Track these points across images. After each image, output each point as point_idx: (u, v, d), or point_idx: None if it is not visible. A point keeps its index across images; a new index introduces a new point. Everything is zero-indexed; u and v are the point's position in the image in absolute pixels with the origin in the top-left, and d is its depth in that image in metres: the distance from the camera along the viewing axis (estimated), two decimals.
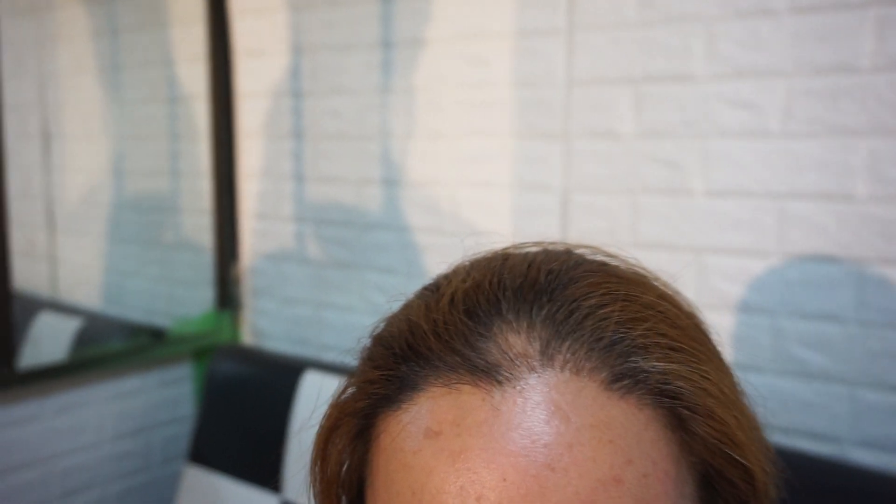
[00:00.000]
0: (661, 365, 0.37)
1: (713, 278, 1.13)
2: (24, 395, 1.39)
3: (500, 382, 0.36)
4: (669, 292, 0.42)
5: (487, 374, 0.36)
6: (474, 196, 1.35)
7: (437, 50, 1.37)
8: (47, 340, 1.56)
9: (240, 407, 1.48)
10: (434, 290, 0.42)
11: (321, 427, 0.43)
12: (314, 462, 0.44)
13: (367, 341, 0.44)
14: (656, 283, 0.42)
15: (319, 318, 1.57)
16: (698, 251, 1.15)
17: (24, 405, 1.39)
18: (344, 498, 0.44)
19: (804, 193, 1.07)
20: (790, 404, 1.10)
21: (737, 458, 0.38)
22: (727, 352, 1.16)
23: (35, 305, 1.59)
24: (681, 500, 0.37)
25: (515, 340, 0.37)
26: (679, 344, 0.38)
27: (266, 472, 1.39)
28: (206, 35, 1.63)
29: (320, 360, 1.45)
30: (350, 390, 0.42)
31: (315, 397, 1.36)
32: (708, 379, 0.38)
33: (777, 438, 1.10)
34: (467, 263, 0.43)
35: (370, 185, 1.47)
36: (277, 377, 1.44)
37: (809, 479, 0.97)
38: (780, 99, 1.07)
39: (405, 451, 0.37)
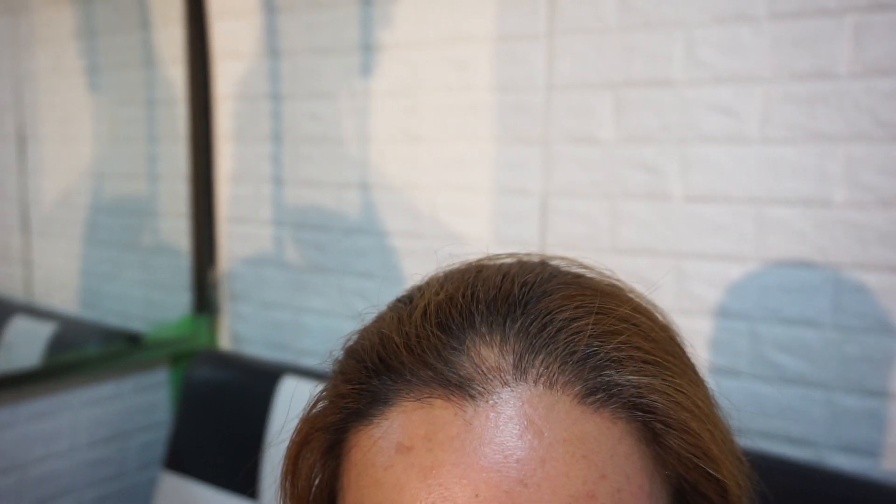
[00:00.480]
0: (634, 378, 0.37)
1: (692, 283, 1.14)
2: None
3: (472, 397, 0.36)
4: (644, 305, 0.42)
5: (460, 388, 0.36)
6: (454, 200, 1.35)
7: (416, 54, 1.37)
8: (21, 345, 1.55)
9: (217, 413, 1.48)
10: (407, 303, 0.41)
11: (292, 441, 0.43)
12: (284, 476, 0.43)
13: (339, 354, 0.44)
14: (631, 296, 0.42)
15: (298, 322, 1.57)
16: (677, 256, 1.15)
17: None
18: None
19: (782, 199, 1.07)
20: (768, 409, 1.11)
21: (711, 472, 0.38)
22: (706, 357, 1.15)
23: (9, 309, 1.59)
24: None
25: (488, 354, 0.37)
26: (653, 357, 0.38)
27: (243, 479, 1.38)
28: (184, 37, 1.63)
29: (298, 366, 1.45)
30: (321, 404, 0.42)
31: (293, 403, 1.36)
32: (682, 392, 0.38)
33: (755, 443, 1.11)
34: (441, 275, 0.43)
35: (349, 188, 1.47)
36: (255, 382, 1.43)
37: (787, 484, 0.98)
38: (758, 104, 1.08)
39: (376, 467, 0.37)
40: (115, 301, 1.73)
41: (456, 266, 0.44)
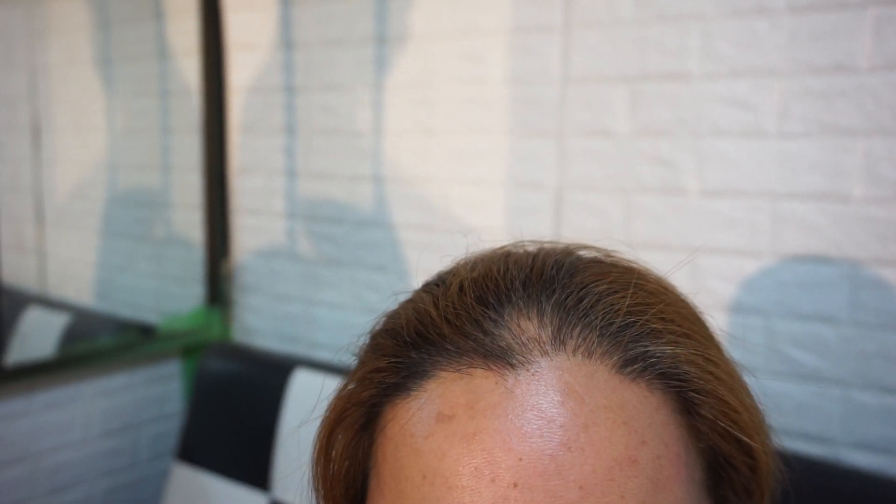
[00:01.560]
0: (669, 349, 0.38)
1: (707, 278, 1.14)
2: (12, 391, 1.39)
3: (513, 366, 0.37)
4: (668, 283, 0.43)
5: (500, 357, 0.37)
6: (467, 194, 1.36)
7: (430, 46, 1.37)
8: (35, 336, 1.56)
9: (229, 405, 1.48)
10: (440, 283, 0.42)
11: (325, 420, 0.43)
12: (317, 457, 0.44)
13: (366, 338, 0.44)
14: (655, 275, 0.43)
15: (310, 315, 1.57)
16: (692, 251, 1.15)
17: (11, 401, 1.39)
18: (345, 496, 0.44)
19: (799, 194, 1.07)
20: (783, 405, 1.11)
21: (743, 439, 0.39)
22: None
23: (23, 300, 1.59)
24: (690, 484, 0.37)
25: (527, 325, 0.38)
26: (685, 329, 0.39)
27: (255, 471, 1.39)
28: (199, 29, 1.63)
29: (311, 358, 1.46)
30: (354, 382, 0.42)
31: (305, 395, 1.37)
32: (714, 363, 0.39)
33: (779, 442, 1.11)
34: (471, 258, 0.44)
35: (362, 181, 1.47)
36: (267, 375, 1.44)
37: (802, 480, 0.98)
38: (775, 99, 1.08)
39: (416, 437, 0.37)
40: (127, 292, 1.74)
41: (481, 251, 0.45)
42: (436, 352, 0.39)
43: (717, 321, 1.14)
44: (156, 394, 1.64)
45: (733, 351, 1.20)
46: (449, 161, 1.37)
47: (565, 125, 1.24)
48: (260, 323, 1.65)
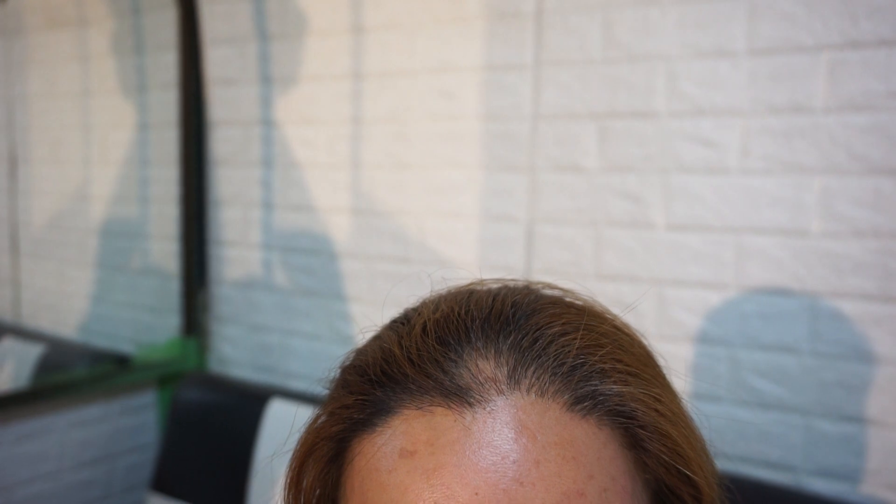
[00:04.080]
0: (617, 388, 0.39)
1: (673, 309, 1.15)
2: None
3: (470, 404, 0.38)
4: (621, 323, 0.44)
5: (459, 396, 0.38)
6: (441, 226, 1.36)
7: (406, 83, 1.38)
8: (9, 366, 1.54)
9: (204, 435, 1.47)
10: (405, 322, 0.44)
11: (296, 452, 0.44)
12: (289, 486, 0.45)
13: (336, 372, 0.45)
14: (610, 315, 0.44)
15: (286, 345, 1.57)
16: (659, 283, 1.16)
17: None
18: None
19: (761, 228, 1.09)
20: (747, 433, 1.11)
21: (687, 473, 0.40)
22: (686, 381, 1.16)
23: None
24: None
25: (485, 366, 0.39)
26: (633, 369, 0.40)
27: (230, 502, 1.38)
28: (178, 63, 1.63)
29: (286, 388, 1.45)
30: (324, 416, 0.43)
31: (281, 425, 1.36)
32: (660, 401, 0.40)
33: (734, 467, 1.12)
34: (435, 297, 0.45)
35: (338, 213, 1.47)
36: (243, 405, 1.43)
37: None
38: (737, 137, 1.09)
39: (380, 471, 0.39)
40: (103, 323, 1.72)
41: (446, 290, 0.46)
42: (400, 390, 0.40)
43: (683, 351, 1.15)
44: (131, 425, 1.62)
45: (699, 380, 1.21)
46: (424, 194, 1.37)
47: (537, 160, 1.26)
48: (236, 353, 1.64)
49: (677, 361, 1.16)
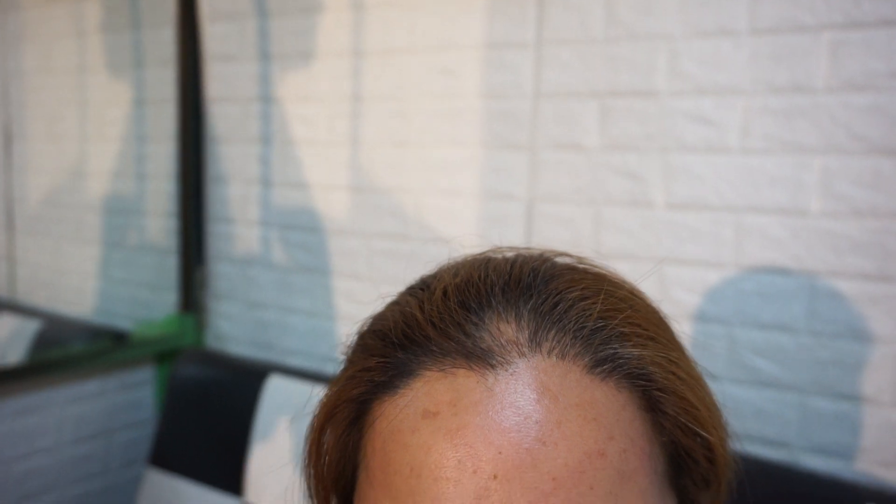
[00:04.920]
0: (636, 351, 0.40)
1: (672, 288, 1.16)
2: None
3: (492, 366, 0.38)
4: (637, 289, 0.45)
5: (481, 358, 0.39)
6: (440, 204, 1.36)
7: (406, 60, 1.38)
8: (5, 342, 1.55)
9: (202, 411, 1.47)
10: (424, 288, 0.44)
11: (315, 417, 0.45)
12: (309, 450, 0.45)
13: (354, 338, 0.45)
14: (625, 281, 0.45)
15: (284, 322, 1.57)
16: (658, 262, 1.17)
17: None
18: (335, 496, 0.45)
19: (760, 207, 1.09)
20: (744, 410, 1.12)
21: (702, 434, 0.41)
22: None
23: None
24: (654, 475, 0.39)
25: (506, 328, 0.40)
26: (651, 333, 0.41)
27: (228, 476, 1.39)
28: (176, 38, 1.63)
29: (284, 365, 1.45)
30: (344, 380, 0.44)
31: (279, 401, 1.37)
32: (677, 364, 0.41)
33: (739, 446, 1.13)
34: (453, 265, 0.46)
35: (337, 190, 1.48)
36: (241, 381, 1.43)
37: (761, 483, 1.00)
38: (738, 116, 1.10)
39: (403, 432, 0.39)
40: (100, 299, 1.73)
41: (462, 258, 0.47)
42: (421, 352, 0.40)
43: (682, 329, 1.15)
44: (128, 400, 1.62)
45: (697, 357, 1.22)
46: (423, 172, 1.38)
47: (537, 138, 1.26)
48: (234, 330, 1.65)
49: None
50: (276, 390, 1.38)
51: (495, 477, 0.36)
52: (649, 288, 1.18)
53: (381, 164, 1.42)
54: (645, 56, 1.16)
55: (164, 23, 1.64)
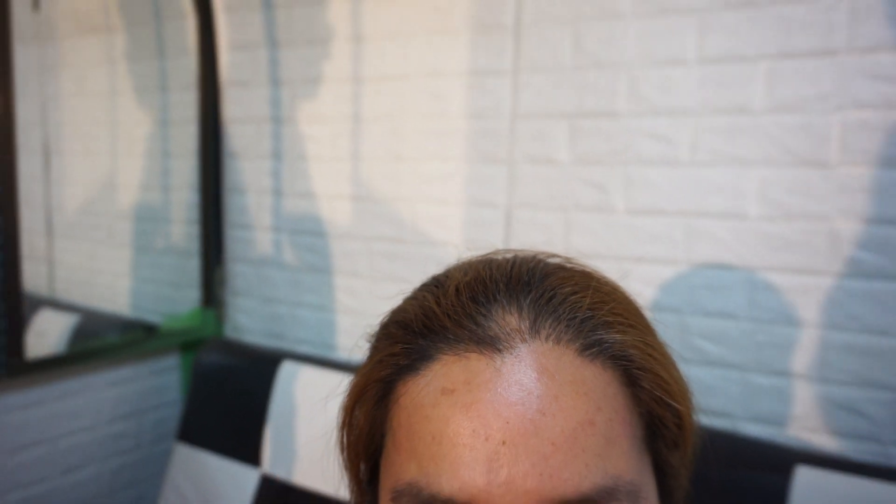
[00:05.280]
0: (618, 337, 0.41)
1: (632, 283, 1.16)
2: (30, 382, 1.37)
3: (499, 350, 0.40)
4: (616, 284, 0.47)
5: (490, 344, 0.40)
6: (431, 211, 1.36)
7: (400, 85, 1.38)
8: (48, 334, 1.54)
9: (224, 393, 1.47)
10: (439, 286, 0.45)
11: (347, 395, 0.46)
12: (343, 423, 0.46)
13: (376, 329, 0.47)
14: (608, 279, 0.47)
15: (294, 315, 1.56)
16: (620, 260, 1.17)
17: (29, 392, 1.37)
18: (364, 462, 0.46)
19: (707, 212, 1.10)
20: (693, 387, 1.12)
21: (672, 404, 0.42)
22: None
23: (35, 303, 1.57)
24: (634, 440, 0.41)
25: (510, 319, 0.41)
26: (630, 321, 0.43)
27: (247, 449, 1.39)
28: (197, 66, 1.62)
29: (295, 352, 1.45)
30: (371, 364, 0.45)
31: (291, 384, 1.37)
32: (651, 347, 0.43)
33: None
34: (461, 265, 0.47)
35: (340, 200, 1.47)
36: (257, 367, 1.43)
37: (708, 448, 1.01)
38: (688, 134, 1.11)
39: (425, 406, 0.40)
40: (131, 296, 1.72)
41: (468, 259, 0.48)
42: (439, 340, 0.41)
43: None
44: (157, 384, 1.62)
45: None
46: (416, 183, 1.37)
47: (514, 154, 1.26)
48: (250, 322, 1.64)
49: None
50: (289, 374, 1.38)
51: (504, 443, 0.37)
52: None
53: (378, 177, 1.42)
54: (608, 82, 1.16)
55: (185, 52, 1.64)
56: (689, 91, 1.10)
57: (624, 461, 0.39)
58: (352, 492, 0.47)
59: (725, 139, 1.08)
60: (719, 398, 1.11)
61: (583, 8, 1.17)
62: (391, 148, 1.40)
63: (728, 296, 1.10)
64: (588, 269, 0.47)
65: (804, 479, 0.94)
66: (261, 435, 1.37)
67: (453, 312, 0.41)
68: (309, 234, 1.52)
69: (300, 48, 1.49)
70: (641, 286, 1.16)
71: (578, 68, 1.19)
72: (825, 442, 1.05)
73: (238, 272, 1.65)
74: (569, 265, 0.46)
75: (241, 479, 1.38)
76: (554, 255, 0.48)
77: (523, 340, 0.40)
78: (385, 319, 0.47)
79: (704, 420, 1.12)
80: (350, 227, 1.46)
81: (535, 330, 0.40)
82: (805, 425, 1.06)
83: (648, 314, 0.48)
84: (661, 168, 1.13)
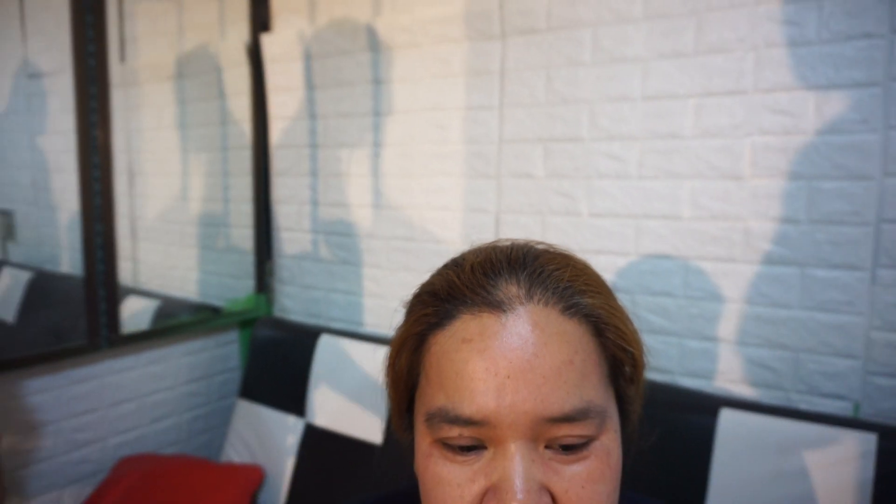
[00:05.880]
0: (590, 301, 0.43)
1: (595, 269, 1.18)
2: (125, 351, 1.40)
3: (504, 311, 0.42)
4: (588, 263, 0.49)
5: (497, 306, 0.42)
6: (436, 216, 1.37)
7: (410, 118, 1.38)
8: (136, 315, 1.56)
9: (274, 359, 1.48)
10: (458, 265, 0.47)
11: (392, 346, 0.47)
12: (387, 369, 0.48)
13: (410, 298, 0.48)
14: (580, 259, 0.49)
15: (328, 298, 1.57)
16: (585, 252, 1.18)
17: (124, 358, 1.39)
18: (405, 395, 0.48)
19: (651, 215, 1.12)
20: (644, 351, 1.14)
21: (629, 349, 0.45)
22: None
23: (125, 292, 1.57)
24: (601, 376, 0.43)
25: (511, 288, 0.43)
26: (597, 290, 0.45)
27: (294, 403, 1.40)
28: (250, 104, 1.63)
29: (330, 328, 1.47)
30: (409, 323, 0.47)
31: (327, 352, 1.38)
32: (613, 307, 0.45)
33: None
34: (474, 250, 0.49)
35: (364, 207, 1.48)
36: (300, 339, 1.45)
37: (654, 397, 1.03)
38: (636, 154, 1.12)
39: (449, 352, 0.42)
40: (200, 285, 1.73)
41: (478, 246, 0.49)
42: (460, 303, 0.43)
43: None
44: (221, 354, 1.63)
45: None
46: (424, 194, 1.38)
47: (501, 170, 1.27)
48: (293, 304, 1.64)
49: None
50: (325, 345, 1.40)
51: (508, 377, 0.40)
52: None
53: (394, 189, 1.42)
54: (573, 114, 1.18)
55: (241, 94, 1.65)
56: (636, 121, 1.12)
57: (594, 391, 0.42)
58: (393, 416, 0.49)
59: (664, 158, 1.10)
60: (661, 359, 1.13)
61: (553, 58, 1.19)
62: (403, 167, 1.40)
63: (668, 279, 1.11)
64: (566, 252, 0.49)
65: (727, 417, 0.97)
66: (305, 392, 1.39)
67: (470, 284, 0.43)
68: (339, 234, 1.53)
69: (331, 89, 1.50)
70: (601, 272, 1.15)
71: (550, 104, 1.20)
72: (743, 391, 1.07)
73: (284, 265, 1.65)
74: (552, 249, 0.48)
75: (289, 426, 1.39)
76: (541, 243, 0.50)
77: (521, 303, 0.42)
78: (417, 290, 0.48)
79: (651, 375, 1.13)
80: (372, 229, 1.47)
81: (529, 296, 0.42)
82: (728, 378, 1.08)
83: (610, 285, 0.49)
84: (615, 181, 1.15)
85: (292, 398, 1.41)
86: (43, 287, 1.47)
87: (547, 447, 0.40)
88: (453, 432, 0.40)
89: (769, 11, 1.00)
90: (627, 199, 1.14)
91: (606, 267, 1.17)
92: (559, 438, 0.40)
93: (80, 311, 1.31)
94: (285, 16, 1.58)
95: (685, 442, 0.98)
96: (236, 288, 1.70)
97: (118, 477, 1.26)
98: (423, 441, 0.43)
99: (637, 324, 1.17)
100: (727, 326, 1.07)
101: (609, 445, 0.41)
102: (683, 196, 1.09)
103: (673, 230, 1.10)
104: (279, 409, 1.42)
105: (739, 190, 1.04)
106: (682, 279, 1.10)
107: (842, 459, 0.89)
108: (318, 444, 1.34)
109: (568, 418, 0.39)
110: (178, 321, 1.53)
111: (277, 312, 1.68)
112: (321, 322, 1.58)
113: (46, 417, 1.25)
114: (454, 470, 0.40)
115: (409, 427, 0.48)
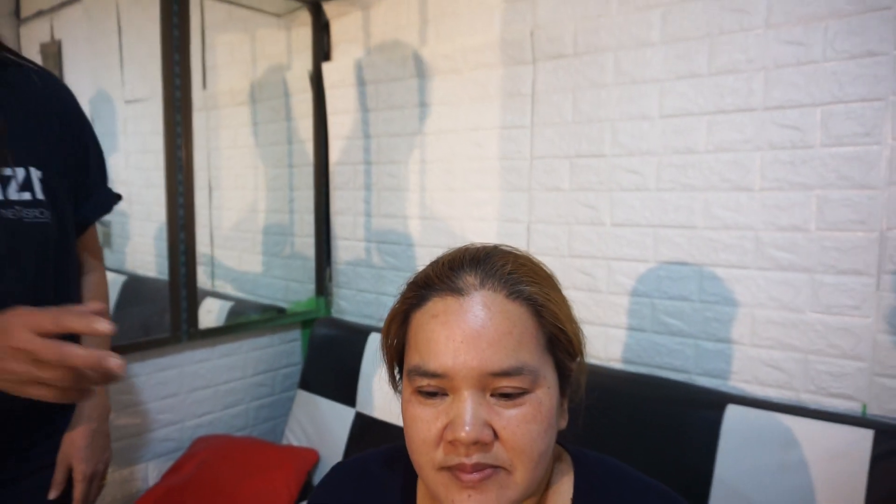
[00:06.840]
0: (529, 288, 0.51)
1: (616, 275, 1.22)
2: (202, 344, 1.50)
3: (463, 295, 0.51)
4: (536, 260, 0.56)
5: (458, 292, 0.51)
6: (475, 226, 1.43)
7: (452, 137, 1.44)
8: (213, 314, 1.67)
9: (330, 356, 1.56)
10: (435, 262, 0.56)
11: (386, 321, 0.57)
12: (384, 337, 0.57)
13: (404, 285, 0.57)
14: (531, 257, 0.56)
15: (380, 301, 1.64)
16: (608, 259, 1.22)
17: (201, 351, 1.50)
18: (395, 360, 0.57)
19: (668, 225, 1.15)
20: (661, 351, 1.17)
21: (562, 327, 0.52)
22: (625, 321, 1.21)
23: (203, 294, 1.67)
24: (538, 346, 0.51)
25: (469, 279, 0.52)
26: (536, 279, 0.53)
27: (346, 394, 1.48)
28: (313, 125, 1.71)
29: (379, 327, 1.44)
30: (398, 303, 0.56)
31: (376, 348, 1.42)
32: (549, 293, 0.53)
33: (652, 371, 1.18)
34: (450, 251, 0.57)
35: (412, 219, 1.54)
36: (354, 337, 1.52)
37: (672, 395, 1.08)
38: (654, 168, 1.16)
39: (423, 324, 0.51)
40: (267, 289, 1.80)
41: (456, 248, 0.58)
42: (432, 289, 0.51)
43: (623, 301, 1.20)
44: (285, 350, 1.71)
45: (632, 318, 1.23)
46: (464, 206, 1.44)
47: (532, 184, 1.32)
48: (349, 306, 1.71)
49: (618, 308, 1.21)
50: (374, 342, 1.47)
51: (462, 342, 0.49)
52: (602, 275, 1.24)
53: (438, 202, 1.48)
54: (597, 132, 1.22)
55: (305, 116, 1.73)
56: (654, 138, 1.15)
57: (529, 355, 0.50)
58: (389, 377, 0.58)
59: (679, 172, 1.13)
60: (678, 359, 1.16)
61: (578, 80, 1.24)
62: (446, 182, 1.46)
63: (684, 284, 1.14)
64: (520, 252, 0.56)
65: (732, 413, 1.01)
66: (356, 384, 1.47)
67: (440, 275, 0.53)
68: (389, 243, 1.59)
69: (383, 112, 1.57)
70: (623, 278, 1.20)
71: (576, 122, 1.25)
72: (756, 390, 1.08)
73: (340, 271, 1.72)
74: (506, 249, 0.56)
75: (342, 415, 1.48)
76: (506, 245, 0.57)
77: (476, 290, 0.50)
78: (408, 280, 0.57)
79: (669, 374, 1.16)
80: (418, 238, 1.53)
81: (482, 284, 0.51)
82: (741, 378, 1.10)
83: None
84: (635, 193, 1.18)
85: (345, 390, 1.49)
86: (134, 288, 1.59)
87: (492, 395, 0.49)
88: (424, 382, 0.50)
89: (777, 34, 1.04)
90: (646, 210, 1.17)
91: (627, 273, 1.20)
92: (500, 388, 0.49)
93: (164, 309, 1.43)
94: (343, 46, 1.66)
95: (693, 435, 1.02)
96: (299, 291, 1.77)
97: (194, 452, 1.41)
98: (406, 390, 0.52)
99: (654, 326, 1.23)
100: (740, 329, 1.09)
101: (541, 397, 0.50)
102: (698, 207, 1.12)
103: (688, 238, 1.13)
104: (333, 399, 1.50)
105: (750, 201, 1.07)
106: (698, 284, 1.13)
107: (840, 454, 0.92)
108: (367, 430, 1.42)
109: (505, 373, 0.48)
110: (247, 319, 1.62)
111: (334, 313, 1.75)
112: (372, 322, 1.65)
113: (136, 399, 1.39)
114: (425, 411, 0.50)
115: (399, 383, 0.57)
